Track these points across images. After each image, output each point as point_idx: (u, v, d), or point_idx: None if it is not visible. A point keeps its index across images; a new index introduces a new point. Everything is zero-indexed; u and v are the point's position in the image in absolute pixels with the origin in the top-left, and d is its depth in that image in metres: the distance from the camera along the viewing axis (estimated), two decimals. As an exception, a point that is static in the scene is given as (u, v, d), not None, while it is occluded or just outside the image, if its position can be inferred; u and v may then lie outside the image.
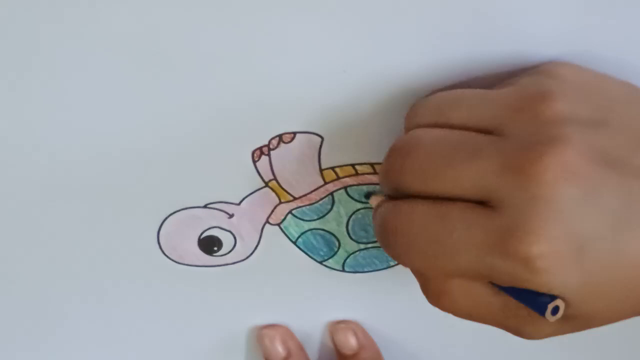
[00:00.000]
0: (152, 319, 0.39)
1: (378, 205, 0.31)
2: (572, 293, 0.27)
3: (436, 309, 0.40)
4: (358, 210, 0.36)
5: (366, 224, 0.37)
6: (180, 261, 0.37)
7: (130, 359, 0.40)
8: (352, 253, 0.38)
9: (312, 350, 0.41)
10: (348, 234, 0.37)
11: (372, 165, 0.35)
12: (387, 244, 0.30)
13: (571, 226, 0.26)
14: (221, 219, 0.36)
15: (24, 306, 0.38)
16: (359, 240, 0.37)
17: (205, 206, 0.35)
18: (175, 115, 0.32)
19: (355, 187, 0.35)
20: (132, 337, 0.40)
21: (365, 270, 0.38)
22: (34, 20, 0.29)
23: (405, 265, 0.30)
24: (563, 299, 0.27)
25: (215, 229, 0.36)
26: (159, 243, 0.36)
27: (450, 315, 0.40)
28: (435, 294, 0.30)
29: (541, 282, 0.26)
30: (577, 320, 0.28)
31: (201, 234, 0.36)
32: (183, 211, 0.35)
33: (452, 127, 0.29)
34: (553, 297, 0.27)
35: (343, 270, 0.38)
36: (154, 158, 0.34)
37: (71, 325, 0.39)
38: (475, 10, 0.30)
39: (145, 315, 0.39)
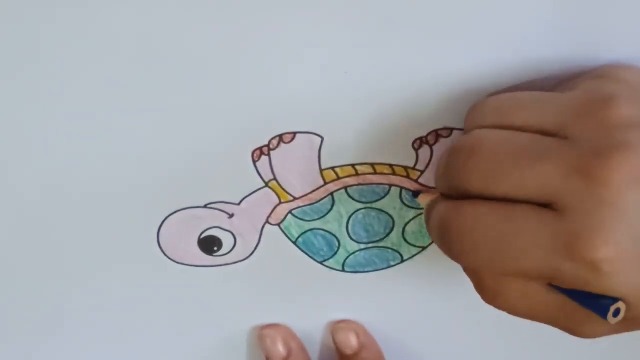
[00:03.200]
0: (152, 319, 0.39)
1: (432, 205, 0.31)
2: (635, 296, 0.27)
3: (435, 309, 0.40)
4: (358, 210, 0.36)
5: (366, 224, 0.37)
6: (180, 261, 0.37)
7: (130, 359, 0.40)
8: (353, 253, 0.38)
9: (313, 350, 0.41)
10: (348, 234, 0.37)
11: (372, 165, 0.35)
12: (447, 244, 0.29)
13: (637, 230, 0.26)
14: (221, 219, 0.36)
15: (24, 306, 0.38)
16: (359, 240, 0.37)
17: (205, 206, 0.35)
18: (175, 115, 0.32)
19: (355, 187, 0.35)
20: (132, 337, 0.40)
21: (366, 270, 0.38)
22: (35, 21, 0.29)
23: (463, 264, 0.30)
24: (625, 302, 0.27)
25: (215, 229, 0.36)
26: (159, 243, 0.36)
27: (450, 315, 0.40)
28: (491, 293, 0.30)
29: (606, 286, 0.26)
30: (636, 321, 0.28)
31: (201, 234, 0.36)
32: (183, 211, 0.35)
33: (515, 128, 0.29)
34: (614, 299, 0.27)
35: (343, 270, 0.38)
36: (154, 158, 0.34)
37: (71, 325, 0.39)
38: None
39: (145, 315, 0.39)
